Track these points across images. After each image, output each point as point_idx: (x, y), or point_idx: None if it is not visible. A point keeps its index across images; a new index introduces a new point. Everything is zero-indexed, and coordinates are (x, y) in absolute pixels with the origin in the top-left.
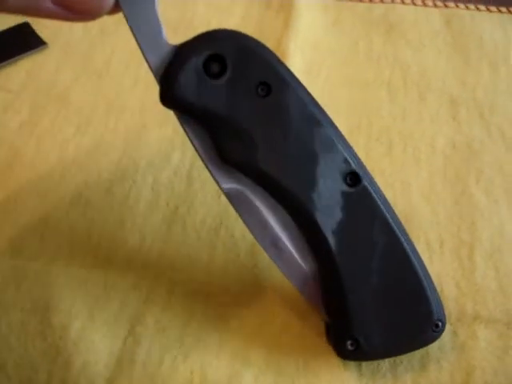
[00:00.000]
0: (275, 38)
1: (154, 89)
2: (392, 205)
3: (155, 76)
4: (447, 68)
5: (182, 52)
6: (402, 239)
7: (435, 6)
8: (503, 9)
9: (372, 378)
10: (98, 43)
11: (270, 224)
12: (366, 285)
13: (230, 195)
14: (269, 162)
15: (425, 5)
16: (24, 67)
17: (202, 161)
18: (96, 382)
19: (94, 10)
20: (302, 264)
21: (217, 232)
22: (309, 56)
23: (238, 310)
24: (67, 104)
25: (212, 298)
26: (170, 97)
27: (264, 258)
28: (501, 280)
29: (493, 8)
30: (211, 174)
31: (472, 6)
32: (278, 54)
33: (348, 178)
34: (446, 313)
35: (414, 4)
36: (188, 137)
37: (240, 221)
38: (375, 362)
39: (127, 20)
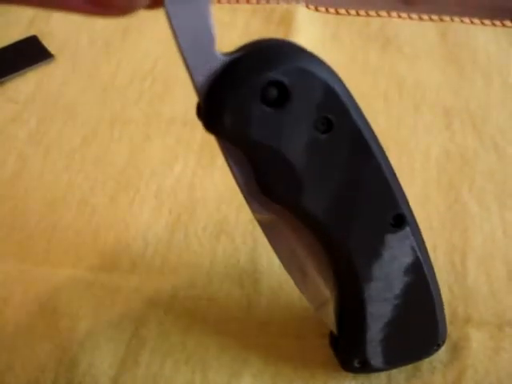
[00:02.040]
0: None
1: (158, 101)
2: None
3: (197, 92)
4: (442, 80)
5: (237, 71)
6: (428, 274)
7: (431, 19)
8: (497, 22)
9: (367, 378)
10: (103, 56)
11: (298, 252)
12: (385, 313)
13: (262, 222)
14: (315, 202)
15: (421, 19)
16: (32, 79)
17: (239, 187)
18: (100, 382)
19: (127, 3)
20: (324, 289)
21: (218, 238)
22: None
23: (238, 314)
24: (74, 115)
25: (213, 301)
26: (214, 121)
27: (263, 263)
28: (492, 284)
29: (487, 21)
30: (247, 202)
31: (467, 20)
32: None
33: (393, 220)
34: None
35: (410, 18)
36: (227, 162)
37: (240, 227)
38: None
39: (170, 19)
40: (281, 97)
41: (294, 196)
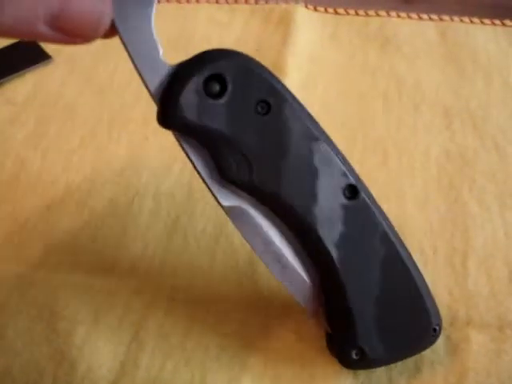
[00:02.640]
0: (274, 51)
1: (153, 107)
2: (387, 213)
3: (153, 97)
4: (441, 80)
5: (181, 72)
6: (400, 249)
7: (430, 19)
8: (497, 21)
9: (367, 380)
10: (101, 57)
11: (272, 240)
12: (368, 294)
13: (230, 213)
14: (269, 178)
15: (420, 18)
16: (30, 80)
17: (203, 180)
18: None
19: (89, 33)
20: (305, 278)
21: (217, 240)
22: (306, 69)
23: (238, 316)
24: (72, 116)
25: (212, 304)
26: (170, 117)
27: (262, 265)
28: (493, 286)
29: (486, 21)
30: (212, 193)
31: (466, 19)
32: (277, 68)
33: (347, 192)
34: None
35: (410, 18)
36: (188, 156)
37: None
38: None
39: (123, 42)
40: (222, 89)
41: (250, 175)
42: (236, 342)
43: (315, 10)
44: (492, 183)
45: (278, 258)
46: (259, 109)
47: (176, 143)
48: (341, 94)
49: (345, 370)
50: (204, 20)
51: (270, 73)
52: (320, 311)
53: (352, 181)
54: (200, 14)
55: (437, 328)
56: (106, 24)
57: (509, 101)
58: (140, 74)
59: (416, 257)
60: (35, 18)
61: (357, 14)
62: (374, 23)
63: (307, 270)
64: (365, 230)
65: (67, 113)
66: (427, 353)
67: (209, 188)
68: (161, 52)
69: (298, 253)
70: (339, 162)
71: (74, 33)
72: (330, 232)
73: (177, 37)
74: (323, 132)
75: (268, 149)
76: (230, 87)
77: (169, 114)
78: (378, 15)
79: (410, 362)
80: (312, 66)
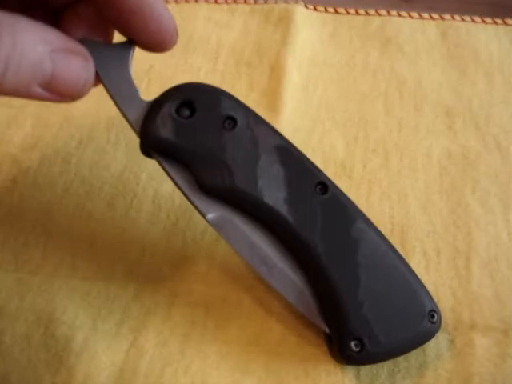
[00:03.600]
0: (274, 52)
1: None
2: (389, 215)
3: (136, 130)
4: (443, 79)
5: (157, 103)
6: (379, 237)
7: (431, 18)
8: (498, 20)
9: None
10: None
11: (257, 244)
12: (357, 285)
13: (214, 222)
14: (244, 183)
15: (421, 17)
16: None
17: (186, 196)
18: None
19: (76, 93)
20: (294, 278)
21: (216, 243)
22: (306, 69)
23: (237, 321)
24: (69, 119)
25: (211, 308)
26: (150, 141)
27: None
28: (497, 288)
29: (488, 20)
30: (195, 207)
31: (468, 18)
32: (277, 68)
33: (318, 188)
34: (443, 322)
35: (411, 17)
36: (170, 177)
37: None
38: (374, 370)
39: (106, 89)
40: (192, 112)
41: (227, 182)
42: (236, 348)
43: (315, 9)
44: (495, 184)
45: (265, 260)
46: (226, 125)
47: None
48: (341, 94)
49: (348, 376)
50: (203, 20)
51: (232, 96)
52: (314, 310)
53: (321, 178)
54: (199, 14)
55: (434, 314)
56: (89, 86)
57: (511, 100)
58: (123, 114)
59: (419, 259)
60: (32, 82)
61: (357, 13)
62: (374, 22)
63: (295, 270)
64: (342, 221)
65: (65, 115)
66: (431, 358)
67: (192, 203)
68: (138, 92)
69: (284, 254)
70: (307, 163)
71: (63, 94)
72: (310, 228)
73: None
74: (287, 140)
75: (242, 157)
76: (198, 109)
77: (149, 138)
78: (378, 14)
79: (413, 367)
80: (312, 65)
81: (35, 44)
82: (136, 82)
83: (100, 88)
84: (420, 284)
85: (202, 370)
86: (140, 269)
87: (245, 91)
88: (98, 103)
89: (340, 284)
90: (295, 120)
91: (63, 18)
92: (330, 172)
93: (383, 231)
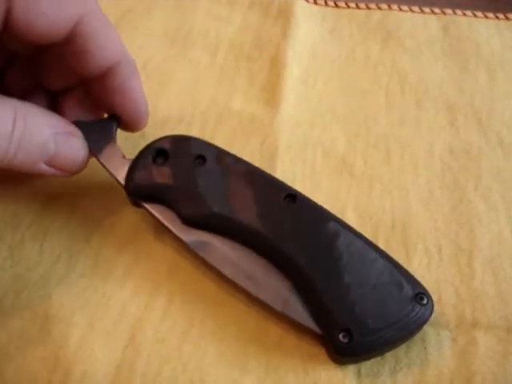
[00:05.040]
0: (273, 45)
1: (153, 97)
2: (390, 211)
3: (122, 185)
4: (444, 74)
5: (136, 158)
6: (353, 234)
7: (433, 12)
8: (500, 15)
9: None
10: None
11: (239, 262)
12: (337, 280)
13: (196, 247)
14: (219, 207)
15: (422, 11)
16: None
17: (170, 231)
18: None
19: (75, 169)
20: (279, 287)
21: None
22: (307, 63)
23: (236, 318)
24: None
25: (209, 306)
26: (133, 189)
27: None
28: (499, 286)
29: (490, 14)
30: (178, 238)
31: (469, 13)
32: (276, 62)
33: (287, 200)
34: (445, 320)
35: (412, 11)
36: (156, 219)
37: None
38: (375, 369)
39: (98, 160)
40: (166, 158)
41: (206, 210)
42: (235, 345)
43: (315, 2)
44: (497, 181)
45: (249, 275)
46: (197, 163)
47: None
48: (342, 88)
49: (348, 374)
50: (202, 14)
51: (201, 139)
52: (304, 314)
53: (288, 191)
54: (198, 8)
55: (423, 296)
56: (86, 162)
57: None
58: (112, 175)
59: (421, 256)
60: (38, 160)
61: (357, 7)
62: (375, 16)
63: (279, 279)
64: (314, 224)
65: None
66: (433, 356)
67: (175, 234)
68: (122, 154)
69: (265, 266)
70: (274, 180)
71: (64, 170)
72: (285, 236)
73: (175, 31)
74: (253, 165)
75: (214, 187)
76: (171, 155)
77: (132, 188)
78: (379, 8)
79: (415, 365)
80: (312, 59)
81: (42, 128)
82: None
83: None
84: (403, 270)
85: (200, 368)
86: (137, 266)
87: (244, 85)
88: None
89: (321, 282)
90: (295, 115)
91: (61, 101)
92: (331, 167)
93: (384, 228)
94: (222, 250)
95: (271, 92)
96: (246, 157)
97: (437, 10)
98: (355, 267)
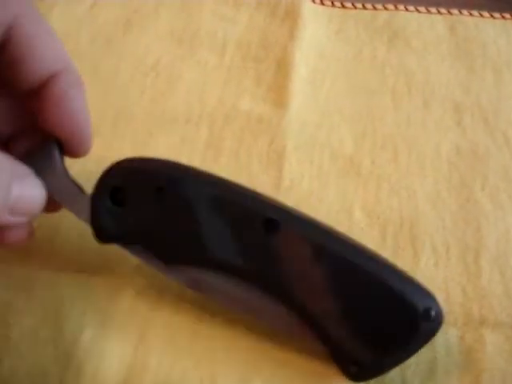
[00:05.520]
0: (280, 46)
1: (160, 98)
2: (398, 210)
3: (86, 222)
4: (451, 74)
5: (94, 199)
6: (344, 252)
7: (439, 13)
8: (507, 15)
9: (381, 382)
10: (105, 53)
11: (234, 293)
12: (336, 310)
13: (189, 286)
14: (194, 247)
15: (429, 12)
16: None
17: (158, 270)
18: None
19: (38, 209)
20: (280, 312)
21: None
22: (314, 64)
23: (246, 316)
24: None
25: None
26: (103, 237)
27: None
28: (507, 284)
29: (496, 14)
30: (167, 276)
31: (476, 13)
32: (283, 63)
33: (266, 227)
34: (452, 318)
35: (418, 11)
36: (139, 259)
37: None
38: None
39: (61, 203)
40: (124, 196)
41: (182, 253)
42: (245, 343)
43: (322, 3)
44: (504, 180)
45: (248, 305)
46: (158, 197)
47: (181, 139)
48: (349, 88)
49: None
50: (209, 15)
51: (158, 161)
52: (310, 336)
53: (267, 214)
54: (205, 9)
55: (430, 311)
56: (44, 200)
57: None
58: (73, 213)
59: (428, 254)
60: (2, 211)
61: (364, 7)
62: (381, 17)
63: (278, 305)
64: (300, 254)
65: None
66: (441, 354)
67: (164, 274)
68: (80, 187)
69: (261, 293)
70: (249, 201)
71: (26, 214)
72: (271, 270)
73: (182, 32)
74: (223, 185)
75: (182, 225)
76: (128, 193)
77: (101, 236)
78: (385, 9)
79: (423, 363)
80: (319, 60)
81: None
82: (143, 76)
83: (105, 81)
84: (407, 282)
85: (210, 366)
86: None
87: (252, 86)
88: (103, 97)
89: (318, 316)
90: (303, 115)
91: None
92: (338, 167)
93: (392, 227)
94: (214, 284)
95: (278, 92)
96: (254, 158)
97: (443, 10)
98: (351, 294)
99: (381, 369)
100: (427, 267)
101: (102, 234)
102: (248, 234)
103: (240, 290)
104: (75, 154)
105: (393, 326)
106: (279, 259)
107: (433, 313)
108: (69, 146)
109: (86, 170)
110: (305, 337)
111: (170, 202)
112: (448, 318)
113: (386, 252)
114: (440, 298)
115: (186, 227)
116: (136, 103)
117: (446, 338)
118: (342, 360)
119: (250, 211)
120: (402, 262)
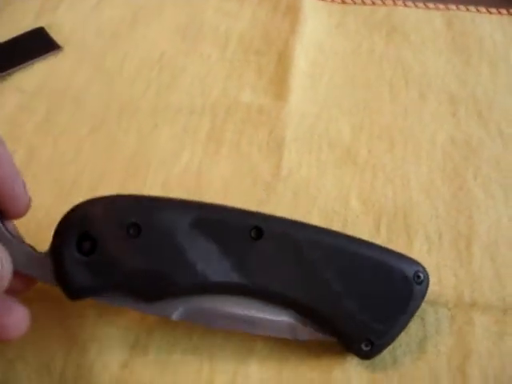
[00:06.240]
0: (281, 40)
1: (165, 91)
2: (392, 199)
3: (54, 284)
4: (448, 68)
5: (55, 251)
6: (330, 241)
7: (437, 8)
8: (503, 10)
9: (372, 362)
10: (111, 47)
11: (232, 311)
12: (335, 296)
13: (182, 318)
14: (184, 276)
15: (426, 7)
16: (40, 70)
17: (139, 310)
18: (110, 367)
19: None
20: (282, 318)
21: None
22: (314, 57)
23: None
24: (82, 105)
25: None
26: (74, 294)
27: None
28: (497, 269)
29: (493, 10)
30: (156, 314)
31: (473, 8)
32: (284, 57)
33: (252, 234)
34: (444, 299)
35: (416, 6)
36: (118, 305)
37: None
38: None
39: (20, 268)
40: (93, 242)
41: (169, 285)
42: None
43: None
44: (497, 170)
45: (248, 321)
46: (131, 232)
47: (184, 131)
48: (347, 81)
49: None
50: (212, 10)
51: (123, 197)
52: (316, 333)
53: (250, 222)
54: (208, 4)
55: (419, 274)
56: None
57: None
58: (36, 277)
59: (421, 241)
60: None
61: (363, 2)
62: (380, 12)
63: (278, 311)
64: (290, 253)
65: (77, 101)
66: (431, 334)
67: (145, 312)
68: (31, 247)
69: (260, 304)
70: (230, 217)
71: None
72: (266, 276)
73: (185, 27)
74: (200, 207)
75: (167, 255)
76: (97, 238)
77: (72, 292)
78: (384, 4)
79: (414, 342)
80: (319, 54)
81: None
82: (148, 70)
83: (111, 74)
84: (392, 254)
85: (208, 350)
86: None
87: (253, 79)
88: (109, 90)
89: (321, 307)
90: (302, 107)
91: None
92: (336, 157)
93: (386, 214)
94: (208, 310)
95: (279, 85)
96: (254, 148)
97: (441, 6)
98: (347, 277)
99: (391, 338)
100: (420, 253)
101: (74, 290)
102: (237, 246)
103: (238, 306)
104: (16, 215)
105: (391, 295)
106: (273, 262)
107: (421, 275)
108: (7, 210)
109: (93, 160)
110: (311, 336)
111: (147, 236)
112: (439, 300)
113: (380, 238)
114: (432, 281)
115: (170, 258)
116: (141, 96)
117: (436, 318)
118: (352, 343)
119: (234, 224)
120: (396, 247)
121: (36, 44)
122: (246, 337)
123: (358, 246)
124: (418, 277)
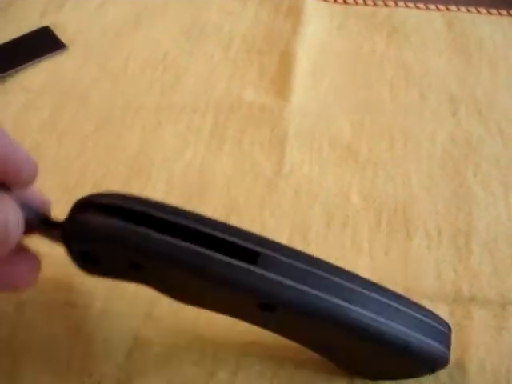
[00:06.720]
0: (283, 41)
1: (169, 89)
2: (393, 196)
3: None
4: (448, 68)
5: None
6: (354, 312)
7: (437, 9)
8: (503, 11)
9: None
10: (115, 46)
11: None
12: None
13: None
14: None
15: (427, 8)
16: (45, 68)
17: None
18: (115, 356)
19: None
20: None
21: (228, 219)
22: (315, 58)
23: None
24: (86, 103)
25: None
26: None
27: None
28: (496, 265)
29: (493, 11)
30: None
31: (473, 9)
32: (286, 57)
33: (263, 308)
34: (443, 294)
35: (417, 7)
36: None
37: (248, 209)
38: None
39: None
40: (96, 260)
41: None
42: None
43: (324, 0)
44: (496, 168)
45: None
46: (132, 266)
47: (187, 129)
48: (348, 81)
49: None
50: (215, 10)
51: (133, 230)
52: None
53: (263, 300)
54: (211, 4)
55: (443, 361)
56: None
57: None
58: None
59: (421, 237)
60: None
61: (365, 3)
62: (381, 13)
63: None
64: (303, 328)
65: (82, 100)
66: None
67: None
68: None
69: None
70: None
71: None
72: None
73: (189, 26)
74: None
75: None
76: (102, 259)
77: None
78: (385, 5)
79: None
80: (321, 54)
81: None
82: (152, 69)
83: (115, 72)
84: (419, 330)
85: (212, 338)
86: None
87: (256, 78)
88: (113, 89)
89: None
90: (304, 105)
91: None
92: (337, 154)
93: (387, 211)
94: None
95: (281, 84)
96: (256, 145)
97: (441, 7)
98: (370, 351)
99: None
100: (420, 249)
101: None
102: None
103: None
104: (23, 185)
105: (412, 372)
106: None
107: (444, 361)
108: (13, 183)
109: (97, 158)
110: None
111: (147, 274)
112: (439, 294)
113: (380, 234)
114: (431, 276)
115: (172, 289)
116: (145, 95)
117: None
118: None
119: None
120: (396, 244)
121: (41, 43)
122: (249, 328)
123: (386, 321)
124: (441, 364)
